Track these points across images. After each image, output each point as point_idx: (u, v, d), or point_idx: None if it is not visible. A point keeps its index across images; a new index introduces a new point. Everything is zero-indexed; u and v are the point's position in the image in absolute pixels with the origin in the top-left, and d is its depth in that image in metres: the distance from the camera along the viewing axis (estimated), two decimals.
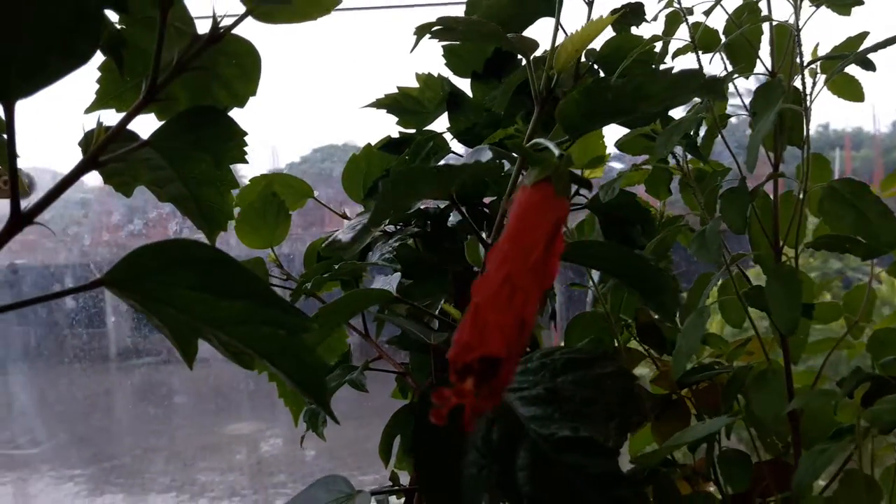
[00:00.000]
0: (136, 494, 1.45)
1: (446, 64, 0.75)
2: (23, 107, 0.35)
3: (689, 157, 0.69)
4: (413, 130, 0.75)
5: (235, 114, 0.45)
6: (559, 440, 0.39)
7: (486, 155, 0.42)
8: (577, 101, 0.41)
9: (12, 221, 0.33)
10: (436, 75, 0.75)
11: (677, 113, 0.65)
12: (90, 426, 1.41)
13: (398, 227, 0.67)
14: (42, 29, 0.30)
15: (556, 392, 0.42)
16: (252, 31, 0.44)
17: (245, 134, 0.44)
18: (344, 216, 0.76)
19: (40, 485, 1.41)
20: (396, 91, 0.76)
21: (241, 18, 0.41)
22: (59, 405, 1.37)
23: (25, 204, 0.91)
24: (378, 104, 0.76)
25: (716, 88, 0.38)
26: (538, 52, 0.50)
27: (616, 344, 0.69)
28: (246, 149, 0.45)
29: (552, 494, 0.38)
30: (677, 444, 0.52)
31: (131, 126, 0.41)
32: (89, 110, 0.44)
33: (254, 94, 0.44)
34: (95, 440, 1.43)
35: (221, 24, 0.40)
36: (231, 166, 0.46)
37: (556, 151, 0.38)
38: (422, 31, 0.47)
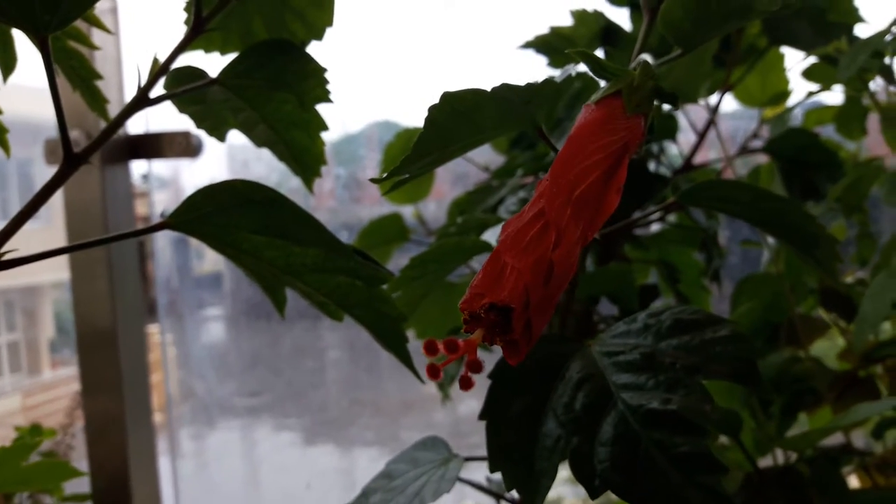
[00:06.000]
0: (343, 446, 1.53)
1: None
2: None
3: (893, 87, 0.57)
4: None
5: None
6: (647, 413, 0.33)
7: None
8: (682, 2, 0.34)
9: (65, 162, 0.33)
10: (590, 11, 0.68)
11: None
12: (303, 380, 1.50)
13: (537, 177, 0.61)
14: None
15: (655, 358, 0.36)
16: None
17: (324, 70, 0.41)
18: (486, 169, 0.72)
19: (262, 431, 1.53)
20: (548, 31, 0.71)
21: None
22: (276, 360, 1.47)
23: (190, 162, 0.95)
24: (527, 45, 0.71)
25: None
26: None
27: (792, 311, 0.58)
28: (329, 87, 0.42)
29: (630, 475, 0.32)
30: (837, 426, 0.43)
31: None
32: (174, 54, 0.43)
33: (330, 24, 0.41)
34: (307, 393, 1.52)
35: None
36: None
37: (650, 64, 0.32)
38: None
